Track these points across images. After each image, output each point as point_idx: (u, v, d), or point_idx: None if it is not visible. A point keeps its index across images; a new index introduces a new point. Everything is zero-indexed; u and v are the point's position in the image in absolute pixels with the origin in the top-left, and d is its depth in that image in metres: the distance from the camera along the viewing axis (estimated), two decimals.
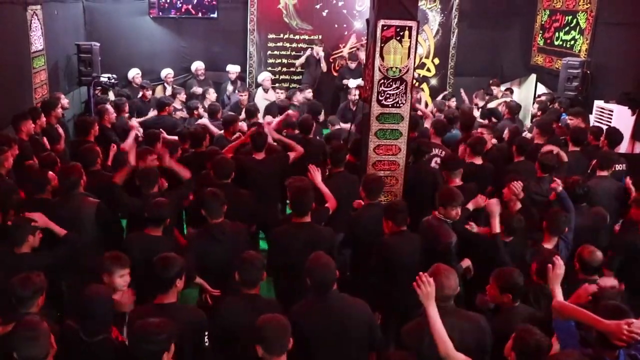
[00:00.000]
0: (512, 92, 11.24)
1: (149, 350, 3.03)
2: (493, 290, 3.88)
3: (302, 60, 11.17)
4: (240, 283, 3.83)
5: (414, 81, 10.97)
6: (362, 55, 10.39)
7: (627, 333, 3.12)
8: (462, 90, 11.15)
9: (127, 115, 8.46)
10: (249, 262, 3.82)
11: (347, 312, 3.69)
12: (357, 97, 8.38)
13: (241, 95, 9.76)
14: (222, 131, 7.51)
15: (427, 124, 8.38)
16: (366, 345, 3.73)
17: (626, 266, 5.04)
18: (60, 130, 7.04)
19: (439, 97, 10.86)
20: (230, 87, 10.58)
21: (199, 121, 8.16)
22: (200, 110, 9.01)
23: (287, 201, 6.32)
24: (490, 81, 11.02)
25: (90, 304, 3.46)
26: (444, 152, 6.86)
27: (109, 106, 7.93)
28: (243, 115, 8.56)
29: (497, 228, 4.73)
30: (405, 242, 4.72)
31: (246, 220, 5.24)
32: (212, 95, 9.89)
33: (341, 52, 11.50)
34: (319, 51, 11.06)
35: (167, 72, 10.69)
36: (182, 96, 9.70)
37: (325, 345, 3.63)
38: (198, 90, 10.22)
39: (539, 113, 9.11)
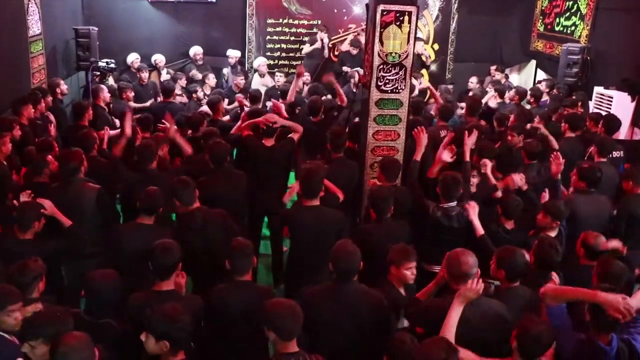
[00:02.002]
0: (507, 77, 11.21)
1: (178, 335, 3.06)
2: (493, 264, 3.93)
3: (309, 48, 11.03)
4: (232, 271, 3.85)
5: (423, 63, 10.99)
6: (362, 39, 10.40)
7: (624, 305, 3.16)
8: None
9: (131, 101, 8.53)
10: (239, 250, 3.84)
11: (362, 303, 3.68)
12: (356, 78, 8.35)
13: (242, 79, 9.73)
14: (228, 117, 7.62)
15: (433, 111, 8.38)
16: (377, 336, 3.71)
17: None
18: (52, 117, 7.02)
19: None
20: (230, 72, 10.53)
21: (201, 109, 8.15)
22: (199, 93, 8.99)
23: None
24: (494, 67, 10.96)
25: (96, 285, 3.53)
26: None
27: (103, 86, 7.95)
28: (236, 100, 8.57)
29: (480, 230, 4.67)
30: (385, 232, 4.59)
31: (244, 203, 5.33)
32: (211, 80, 9.83)
33: (341, 37, 11.44)
34: (323, 37, 11.00)
35: (156, 58, 10.60)
36: (183, 81, 9.68)
37: (335, 331, 3.66)
38: (198, 75, 10.19)
39: (531, 100, 9.11)
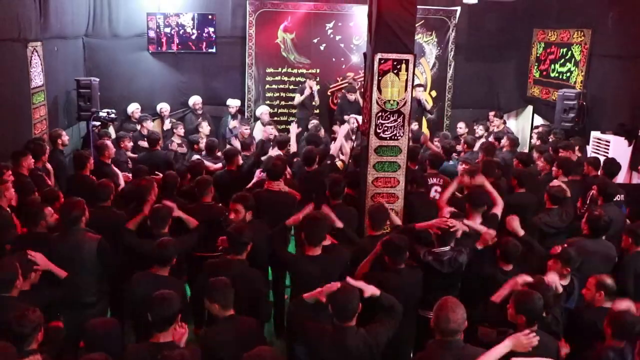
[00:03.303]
0: (505, 123, 11.28)
1: None
2: (511, 309, 3.89)
3: (301, 98, 11.14)
4: (219, 310, 3.91)
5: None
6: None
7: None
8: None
9: (128, 151, 8.57)
10: (220, 286, 3.93)
11: (362, 351, 3.69)
12: (355, 124, 8.39)
13: (246, 129, 9.78)
14: (220, 165, 7.64)
15: None
16: None
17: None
18: (50, 167, 7.04)
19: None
20: (231, 121, 10.59)
21: (193, 158, 8.17)
22: (201, 144, 9.02)
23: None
24: (492, 113, 11.02)
25: (97, 334, 3.54)
26: (442, 180, 6.88)
27: (109, 142, 7.95)
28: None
29: (520, 231, 4.81)
30: (402, 279, 4.56)
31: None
32: (205, 129, 9.75)
33: (337, 85, 11.59)
34: (312, 85, 11.13)
35: (161, 107, 10.74)
36: (181, 130, 9.71)
37: None
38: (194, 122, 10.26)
39: (538, 142, 9.19)
